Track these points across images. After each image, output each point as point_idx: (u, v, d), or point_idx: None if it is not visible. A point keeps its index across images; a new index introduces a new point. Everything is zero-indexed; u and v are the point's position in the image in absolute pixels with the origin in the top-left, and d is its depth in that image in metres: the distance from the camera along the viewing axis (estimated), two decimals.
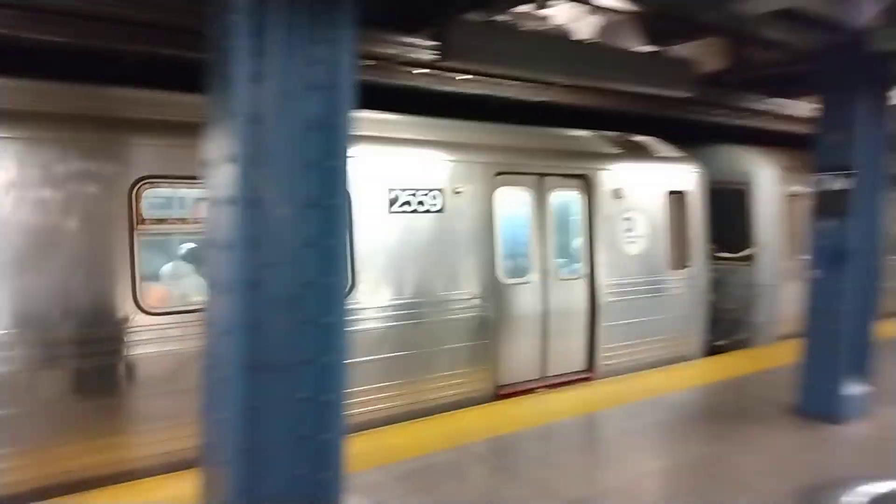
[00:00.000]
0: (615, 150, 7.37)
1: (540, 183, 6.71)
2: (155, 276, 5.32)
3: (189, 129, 3.76)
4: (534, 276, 6.66)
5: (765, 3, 4.42)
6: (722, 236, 8.23)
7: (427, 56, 5.16)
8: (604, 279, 7.02)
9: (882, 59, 5.69)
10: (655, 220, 7.48)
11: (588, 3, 5.61)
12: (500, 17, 5.58)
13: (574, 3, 5.58)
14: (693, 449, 5.20)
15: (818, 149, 5.93)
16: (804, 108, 8.36)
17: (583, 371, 7.03)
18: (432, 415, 5.69)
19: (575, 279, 7.00)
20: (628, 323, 7.18)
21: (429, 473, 4.54)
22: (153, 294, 4.80)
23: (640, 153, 7.61)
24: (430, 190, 5.86)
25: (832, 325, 5.83)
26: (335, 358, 3.06)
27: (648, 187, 7.44)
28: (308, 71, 2.92)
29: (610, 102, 7.18)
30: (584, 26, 5.91)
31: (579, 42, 5.95)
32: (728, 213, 8.28)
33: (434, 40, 4.88)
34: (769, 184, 8.36)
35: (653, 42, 6.26)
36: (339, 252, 3.12)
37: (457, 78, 6.01)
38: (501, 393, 6.33)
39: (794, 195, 8.39)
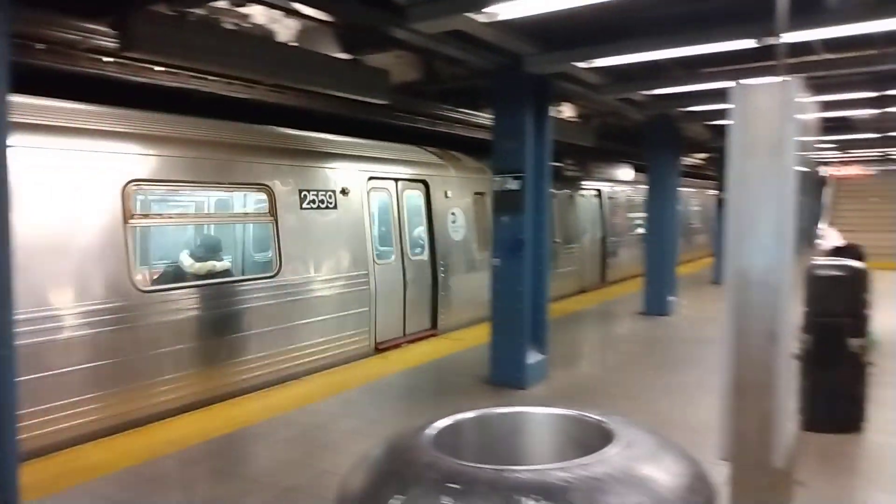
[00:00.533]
0: (441, 162, 9.41)
1: (396, 186, 8.56)
2: None
3: None
4: (394, 257, 8.48)
5: (430, 25, 4.98)
6: None
7: (110, 45, 4.82)
8: (440, 259, 8.99)
9: (542, 80, 6.78)
10: (468, 214, 9.63)
11: (282, 8, 5.73)
12: (196, 11, 5.42)
13: (270, 7, 5.65)
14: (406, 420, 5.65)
15: (495, 154, 6.83)
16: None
17: (429, 329, 8.93)
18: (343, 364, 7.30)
19: (422, 258, 8.87)
20: (457, 291, 9.24)
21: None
22: None
23: (456, 164, 9.72)
24: (328, 191, 7.33)
25: (514, 304, 6.76)
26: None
27: (465, 189, 9.65)
28: None
29: (318, 104, 7.48)
30: (282, 29, 6.02)
31: (279, 43, 6.06)
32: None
33: (116, 29, 4.58)
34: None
35: (348, 50, 6.63)
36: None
37: (155, 69, 5.75)
38: (380, 348, 7.98)
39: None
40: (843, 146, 15.89)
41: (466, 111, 9.45)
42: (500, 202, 6.80)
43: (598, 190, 14.29)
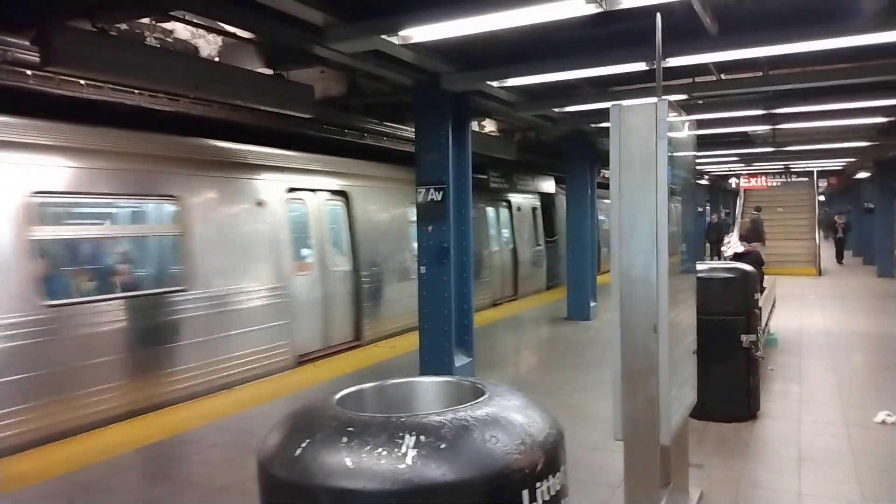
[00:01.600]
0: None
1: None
2: None
3: None
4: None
5: (348, 45, 5.26)
6: None
7: (31, 58, 4.87)
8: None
9: (461, 96, 7.14)
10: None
11: (205, 26, 5.88)
12: (119, 26, 5.51)
13: (191, 24, 5.79)
14: None
15: (418, 166, 7.13)
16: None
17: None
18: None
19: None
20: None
21: None
22: None
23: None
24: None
25: (441, 310, 7.06)
26: None
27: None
28: None
29: (247, 118, 7.59)
30: (204, 44, 6.16)
31: (200, 58, 6.19)
32: None
33: (37, 44, 4.63)
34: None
35: (271, 66, 6.83)
36: None
37: (82, 83, 5.77)
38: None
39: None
40: (746, 159, 17.06)
41: (392, 124, 9.73)
42: (424, 212, 7.10)
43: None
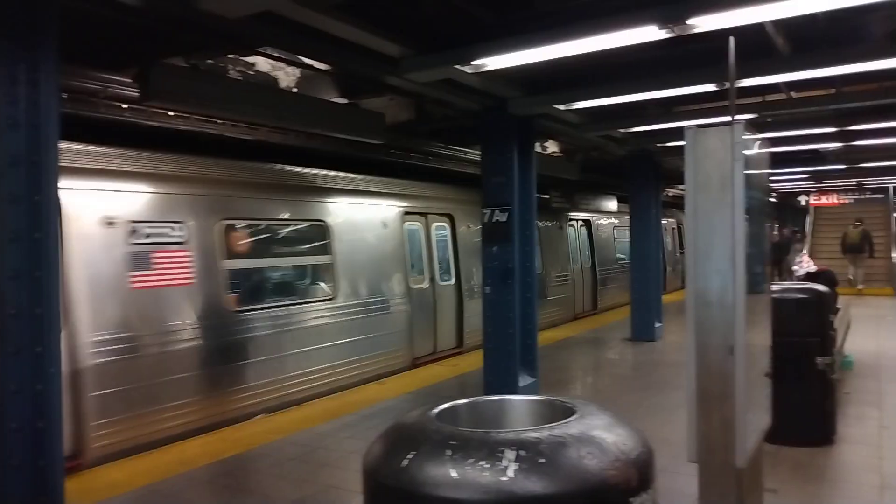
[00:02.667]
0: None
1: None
2: None
3: None
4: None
5: (422, 75, 5.47)
6: None
7: (128, 93, 5.28)
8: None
9: (526, 120, 7.28)
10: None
11: (284, 59, 6.21)
12: (207, 61, 5.89)
13: (272, 57, 6.13)
14: None
15: (485, 188, 7.28)
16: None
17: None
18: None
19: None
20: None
21: None
22: None
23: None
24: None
25: (505, 329, 7.14)
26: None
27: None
28: (10, 109, 2.98)
29: (321, 144, 7.95)
30: (283, 76, 6.50)
31: (281, 90, 6.54)
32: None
33: (136, 80, 5.03)
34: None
35: (345, 95, 7.13)
36: (51, 283, 3.16)
37: (169, 114, 6.20)
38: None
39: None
40: (816, 176, 16.54)
41: (457, 147, 9.94)
42: (489, 233, 7.23)
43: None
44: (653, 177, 11.37)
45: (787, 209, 26.07)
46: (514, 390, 7.01)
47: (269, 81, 6.50)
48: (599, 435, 1.52)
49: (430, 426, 1.61)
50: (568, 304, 13.41)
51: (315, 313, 7.55)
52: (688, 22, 4.00)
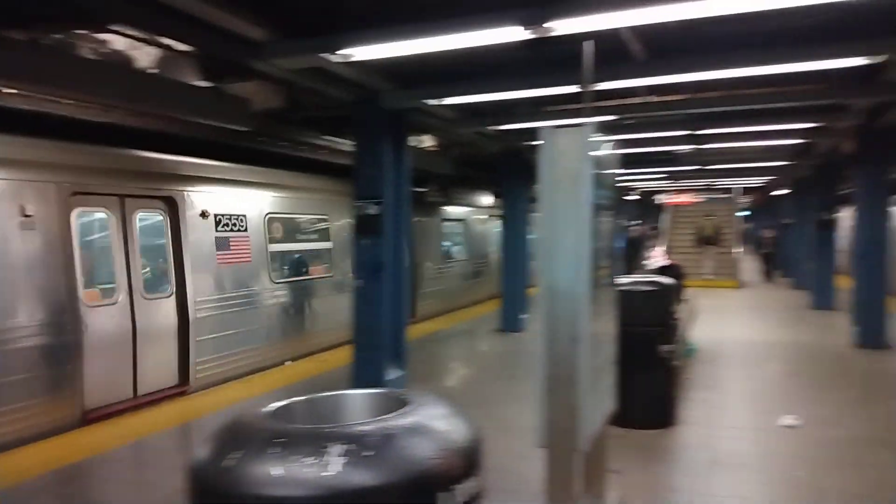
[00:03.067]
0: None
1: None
2: None
3: None
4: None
5: (287, 62, 5.34)
6: None
7: None
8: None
9: (399, 113, 7.29)
10: None
11: (141, 39, 5.84)
12: (52, 36, 5.42)
13: (127, 36, 5.74)
14: None
15: (356, 180, 7.23)
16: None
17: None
18: None
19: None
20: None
21: None
22: None
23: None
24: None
25: (375, 323, 7.14)
26: None
27: None
28: None
29: (181, 129, 7.51)
30: (142, 56, 6.11)
31: (134, 70, 6.14)
32: None
33: None
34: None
35: (209, 79, 6.81)
36: None
37: (3, 91, 5.62)
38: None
39: None
40: (673, 177, 17.84)
41: (330, 138, 9.78)
42: (360, 226, 7.18)
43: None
44: (524, 174, 11.76)
45: (647, 207, 27.98)
46: (382, 384, 7.03)
47: (123, 61, 6.07)
48: (429, 425, 1.56)
49: (258, 425, 1.58)
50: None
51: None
52: (546, 25, 4.17)
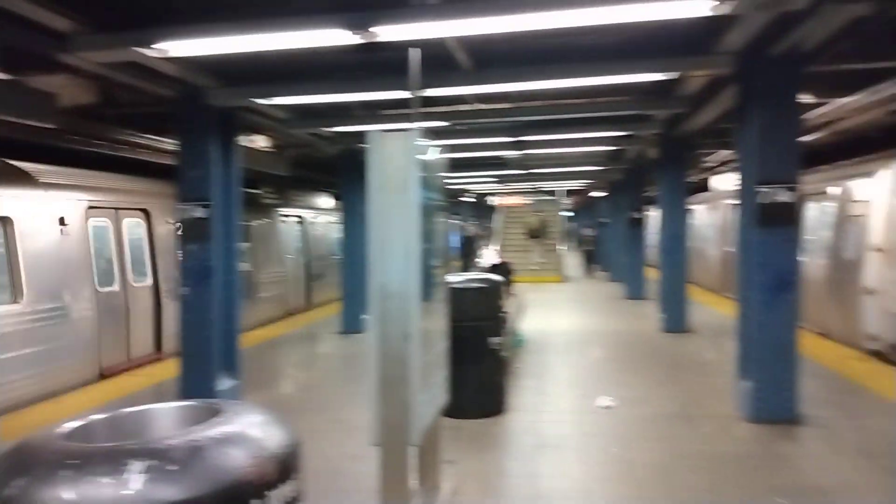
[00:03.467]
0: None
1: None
2: None
3: None
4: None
5: (98, 55, 4.96)
6: None
7: None
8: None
9: (227, 111, 7.00)
10: None
11: None
12: None
13: None
14: None
15: (182, 182, 6.83)
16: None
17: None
18: None
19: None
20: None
21: None
22: None
23: None
24: None
25: (204, 332, 6.80)
26: None
27: None
28: None
29: None
30: None
31: None
32: None
33: None
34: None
35: (9, 71, 6.11)
36: None
37: None
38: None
39: None
40: (502, 180, 18.79)
41: (151, 136, 9.17)
42: (187, 230, 6.80)
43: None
44: (362, 175, 11.73)
45: (481, 208, 29.21)
46: (213, 395, 6.72)
47: None
48: (241, 433, 1.53)
49: (48, 447, 1.46)
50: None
51: None
52: (372, 30, 4.23)
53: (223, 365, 6.96)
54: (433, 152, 4.15)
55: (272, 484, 1.49)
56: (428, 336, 3.91)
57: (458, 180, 18.15)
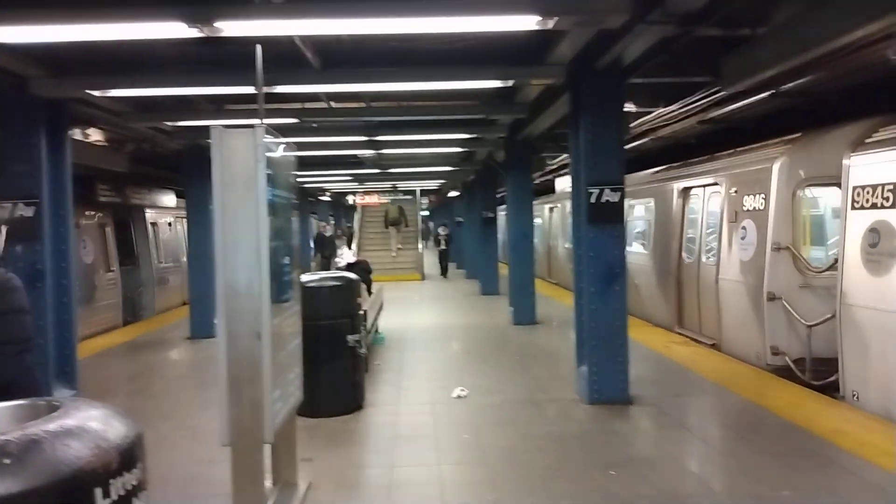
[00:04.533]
0: None
1: None
2: None
3: None
4: None
5: None
6: None
7: None
8: None
9: (56, 103, 6.50)
10: None
11: None
12: None
13: None
14: None
15: (4, 178, 6.27)
16: None
17: None
18: None
19: None
20: None
21: None
22: None
23: None
24: None
25: (37, 339, 6.26)
26: None
27: None
28: None
29: None
30: None
31: None
32: None
33: None
34: None
35: None
36: None
37: None
38: None
39: None
40: (359, 179, 18.84)
41: None
42: (12, 230, 6.27)
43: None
44: (208, 172, 11.30)
45: (340, 208, 29.04)
46: None
47: None
48: (82, 426, 1.53)
49: None
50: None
51: None
52: (215, 25, 4.15)
53: (58, 375, 6.48)
54: (282, 149, 4.16)
55: (114, 473, 1.50)
56: (280, 334, 3.92)
57: (315, 179, 17.95)
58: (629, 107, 8.24)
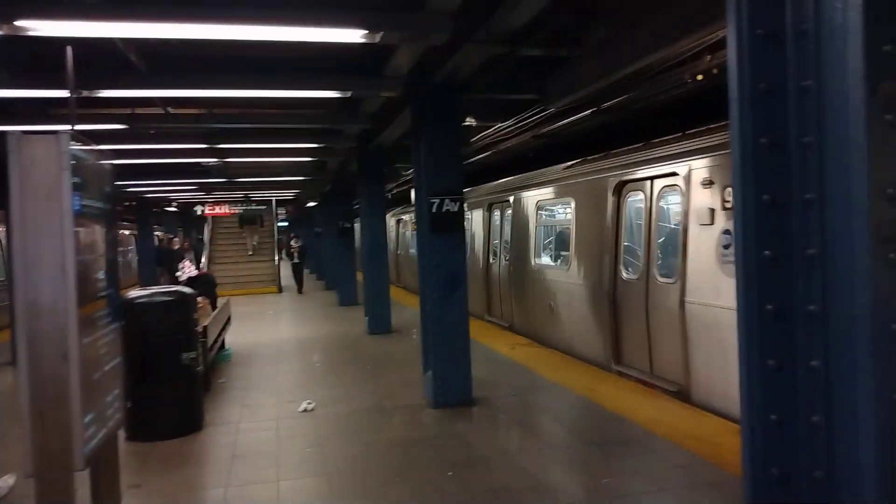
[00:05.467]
0: None
1: None
2: None
3: None
4: None
5: None
6: None
7: None
8: None
9: None
10: None
11: None
12: None
13: None
14: None
15: None
16: None
17: None
18: None
19: None
20: None
21: None
22: None
23: None
24: None
25: None
26: None
27: None
28: None
29: None
30: None
31: None
32: None
33: None
34: None
35: None
36: None
37: None
38: None
39: None
40: (205, 188, 18.01)
41: None
42: None
43: None
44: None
45: (187, 219, 27.55)
46: None
47: None
48: None
49: None
50: None
51: None
52: (16, 24, 3.84)
53: None
54: (98, 157, 3.91)
55: None
56: (94, 354, 3.67)
57: (157, 188, 16.94)
58: (470, 121, 8.57)
